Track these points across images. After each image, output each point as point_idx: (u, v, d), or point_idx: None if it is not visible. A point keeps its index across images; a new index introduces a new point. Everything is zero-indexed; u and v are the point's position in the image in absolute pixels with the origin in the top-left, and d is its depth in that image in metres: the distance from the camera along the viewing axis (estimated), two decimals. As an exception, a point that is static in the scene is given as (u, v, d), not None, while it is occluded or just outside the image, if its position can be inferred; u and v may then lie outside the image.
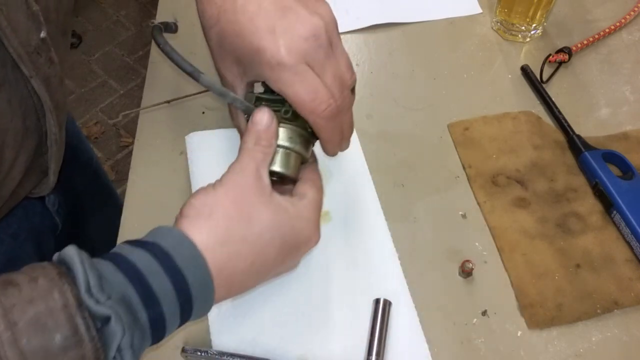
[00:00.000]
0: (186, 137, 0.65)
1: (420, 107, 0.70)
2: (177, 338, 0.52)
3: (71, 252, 0.34)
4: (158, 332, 0.36)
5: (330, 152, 0.49)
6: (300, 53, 0.42)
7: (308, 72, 0.42)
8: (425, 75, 0.73)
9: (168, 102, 0.69)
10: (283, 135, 0.45)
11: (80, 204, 0.81)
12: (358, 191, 0.61)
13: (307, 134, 0.46)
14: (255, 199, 0.41)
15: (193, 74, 0.44)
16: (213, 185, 0.41)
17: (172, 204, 0.61)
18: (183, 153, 0.65)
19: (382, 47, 0.77)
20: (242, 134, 0.49)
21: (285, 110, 0.45)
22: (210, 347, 0.51)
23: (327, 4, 0.46)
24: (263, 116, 0.43)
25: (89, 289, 0.32)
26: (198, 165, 0.63)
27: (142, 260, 0.36)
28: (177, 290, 0.36)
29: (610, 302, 0.54)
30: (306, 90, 0.42)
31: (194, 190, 0.61)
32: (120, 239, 0.58)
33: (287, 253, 0.42)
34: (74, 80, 2.15)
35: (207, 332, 0.52)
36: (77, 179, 0.79)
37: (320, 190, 0.46)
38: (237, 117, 0.49)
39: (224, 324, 0.53)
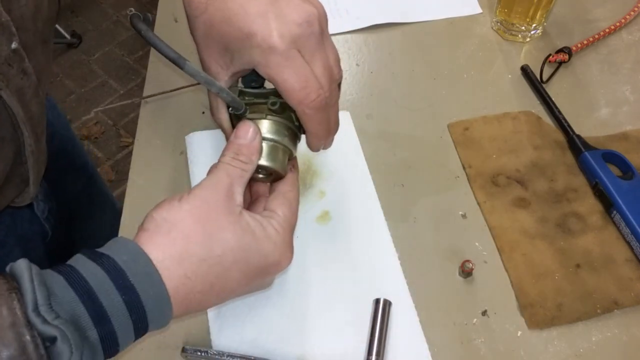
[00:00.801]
0: (186, 137, 0.65)
1: (420, 107, 0.70)
2: (177, 338, 0.52)
3: (21, 267, 0.33)
4: (110, 348, 0.35)
5: (315, 146, 0.48)
6: (292, 38, 0.41)
7: (299, 59, 0.42)
8: (425, 75, 0.73)
9: (148, 95, 0.68)
10: (270, 128, 0.44)
11: (74, 210, 0.80)
12: (358, 191, 0.61)
13: (294, 127, 0.45)
14: (221, 219, 0.39)
15: (177, 61, 0.42)
16: (179, 199, 0.40)
17: (172, 204, 0.61)
18: (183, 153, 0.65)
19: (382, 47, 0.77)
20: (224, 130, 0.49)
21: (272, 102, 0.44)
22: (210, 347, 0.51)
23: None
24: (247, 130, 0.42)
25: (36, 308, 0.31)
26: (198, 165, 0.63)
27: (95, 276, 0.35)
28: (130, 307, 0.35)
29: (610, 302, 0.54)
30: (297, 78, 0.41)
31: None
32: (120, 239, 0.58)
33: (253, 276, 0.41)
34: (74, 80, 2.15)
35: (207, 332, 0.52)
36: (70, 185, 0.78)
37: (292, 206, 0.44)
38: (217, 112, 0.48)
39: (224, 324, 0.53)
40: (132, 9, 0.45)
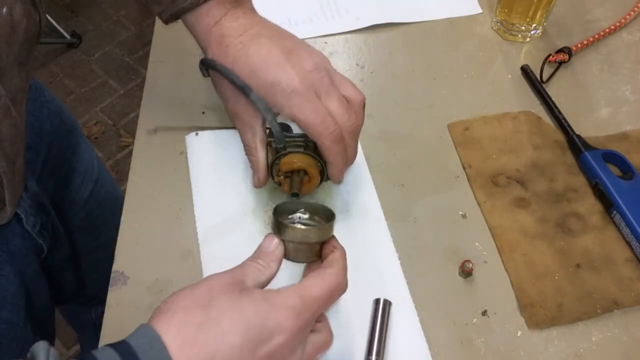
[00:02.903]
0: (186, 137, 0.65)
1: (420, 107, 0.70)
2: (177, 338, 0.52)
3: (39, 348, 0.35)
4: None
5: (335, 176, 0.55)
6: (309, 82, 0.50)
7: (316, 100, 0.50)
8: (425, 75, 0.73)
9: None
10: (295, 235, 0.46)
11: (83, 219, 0.78)
12: (358, 191, 0.61)
13: (325, 211, 0.50)
14: (222, 291, 0.39)
15: (244, 89, 0.52)
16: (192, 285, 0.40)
17: (172, 204, 0.61)
18: (183, 153, 0.65)
19: (382, 47, 0.77)
20: (258, 169, 0.56)
21: (307, 142, 0.54)
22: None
23: (316, 50, 0.54)
24: (270, 242, 0.44)
25: None
26: (198, 165, 0.63)
27: (107, 358, 0.35)
28: None
29: (610, 302, 0.54)
30: (316, 114, 0.50)
31: (194, 190, 0.61)
32: (120, 238, 0.58)
33: (255, 339, 0.38)
34: (74, 80, 2.15)
35: (207, 332, 0.52)
36: (73, 194, 0.76)
37: (318, 280, 0.42)
38: (256, 151, 0.56)
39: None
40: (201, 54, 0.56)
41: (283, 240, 0.45)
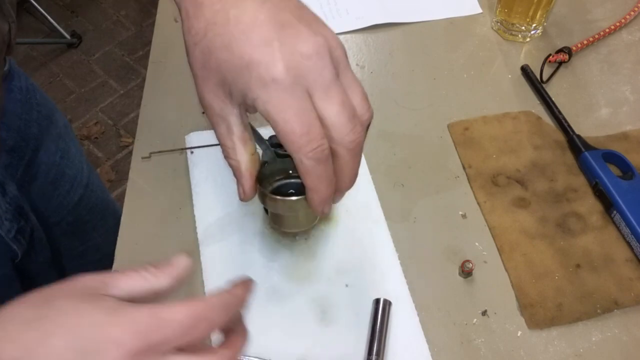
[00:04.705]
0: (186, 137, 0.65)
1: (420, 107, 0.70)
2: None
3: None
4: None
5: (315, 204, 0.40)
6: (299, 72, 0.36)
7: (305, 99, 0.36)
8: (425, 75, 0.73)
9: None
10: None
11: (71, 223, 0.77)
12: (358, 191, 0.61)
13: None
14: (70, 292, 0.33)
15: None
16: None
17: (172, 204, 0.61)
18: (183, 153, 0.65)
19: (382, 47, 0.77)
20: (240, 174, 0.42)
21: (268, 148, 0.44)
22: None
23: (331, 30, 0.39)
24: (178, 258, 0.37)
25: None
26: (198, 165, 0.63)
27: None
28: None
29: (610, 302, 0.54)
30: (298, 119, 0.36)
31: (194, 190, 0.61)
32: (120, 238, 0.58)
33: (82, 351, 0.32)
34: (74, 80, 2.15)
35: (207, 332, 0.52)
36: (61, 199, 0.75)
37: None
38: (234, 153, 0.41)
39: (224, 324, 0.53)
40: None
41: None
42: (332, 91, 0.37)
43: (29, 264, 0.68)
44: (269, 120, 0.37)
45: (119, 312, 0.32)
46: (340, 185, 0.40)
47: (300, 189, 0.40)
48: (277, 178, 0.43)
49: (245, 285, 0.36)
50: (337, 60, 0.38)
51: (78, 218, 0.79)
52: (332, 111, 0.37)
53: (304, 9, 0.39)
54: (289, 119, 0.36)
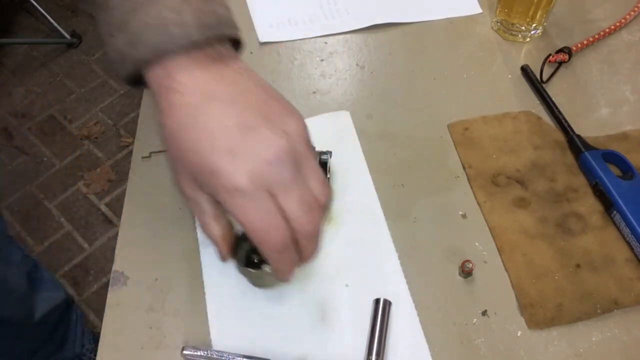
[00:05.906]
0: (186, 137, 0.65)
1: (420, 107, 0.70)
2: (177, 338, 0.52)
3: None
4: None
5: (282, 278, 0.45)
6: (260, 178, 0.39)
7: (265, 200, 0.40)
8: (425, 75, 0.73)
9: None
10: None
11: None
12: (358, 191, 0.61)
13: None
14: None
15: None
16: None
17: (172, 204, 0.61)
18: (183, 153, 0.65)
19: (382, 47, 0.77)
20: (217, 243, 0.46)
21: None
22: (210, 347, 0.51)
23: (296, 115, 0.43)
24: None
25: None
26: (198, 165, 0.63)
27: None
28: None
29: (610, 302, 0.54)
30: (260, 220, 0.40)
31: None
32: (120, 238, 0.58)
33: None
34: (74, 80, 2.15)
35: (207, 332, 0.52)
36: None
37: None
38: (209, 226, 0.46)
39: (224, 324, 0.53)
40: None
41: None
42: (291, 189, 0.40)
43: None
44: (235, 219, 0.41)
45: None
46: (302, 259, 0.44)
47: None
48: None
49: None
50: (298, 155, 0.41)
51: None
52: (292, 207, 0.41)
53: (270, 100, 0.42)
54: (252, 220, 0.40)
